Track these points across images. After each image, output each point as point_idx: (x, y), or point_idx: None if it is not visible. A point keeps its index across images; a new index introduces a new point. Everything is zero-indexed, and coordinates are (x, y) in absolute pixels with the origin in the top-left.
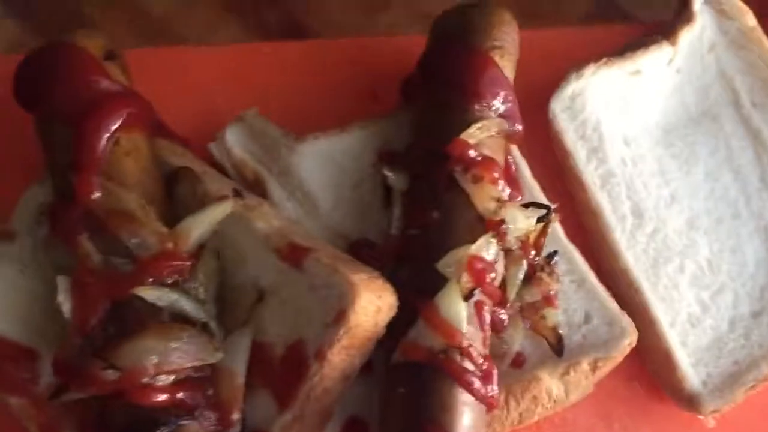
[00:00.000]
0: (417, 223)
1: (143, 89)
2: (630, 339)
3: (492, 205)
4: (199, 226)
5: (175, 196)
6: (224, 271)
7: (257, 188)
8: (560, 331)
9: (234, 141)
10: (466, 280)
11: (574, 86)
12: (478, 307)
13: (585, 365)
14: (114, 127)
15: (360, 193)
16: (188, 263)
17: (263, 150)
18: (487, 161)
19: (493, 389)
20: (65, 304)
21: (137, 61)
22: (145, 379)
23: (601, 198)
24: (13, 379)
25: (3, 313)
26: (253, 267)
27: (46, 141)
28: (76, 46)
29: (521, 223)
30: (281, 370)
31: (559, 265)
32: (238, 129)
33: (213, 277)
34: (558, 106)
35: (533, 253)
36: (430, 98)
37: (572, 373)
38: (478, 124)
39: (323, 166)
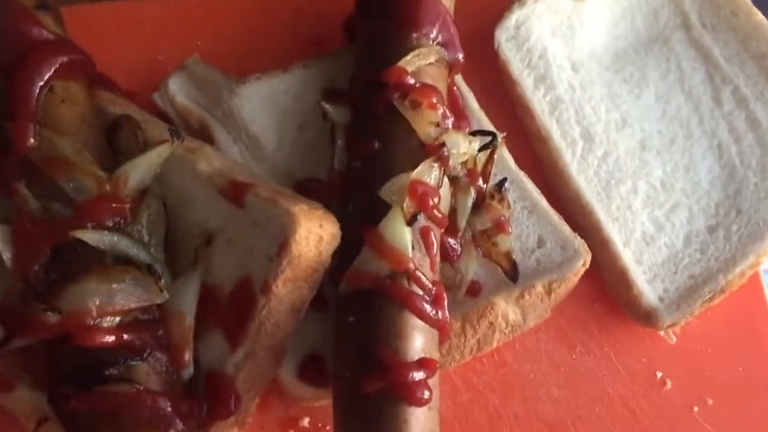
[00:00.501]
0: (359, 155)
1: (83, 45)
2: (584, 259)
3: (432, 130)
4: (137, 169)
5: (117, 145)
6: (171, 217)
7: (203, 134)
8: (513, 257)
9: (177, 89)
10: (408, 204)
11: (517, 14)
12: (424, 232)
13: (540, 288)
14: (47, 75)
15: (306, 133)
16: (128, 206)
17: (206, 96)
18: (426, 87)
19: (444, 314)
20: (5, 252)
21: (76, 17)
22: (89, 321)
23: (550, 124)
24: None
25: None
26: (199, 209)
27: None
28: None
29: (463, 147)
30: (230, 309)
31: (510, 192)
32: (180, 77)
33: (158, 222)
34: (503, 36)
35: (481, 180)
36: (369, 31)
37: (528, 297)
38: (415, 52)
39: (267, 107)
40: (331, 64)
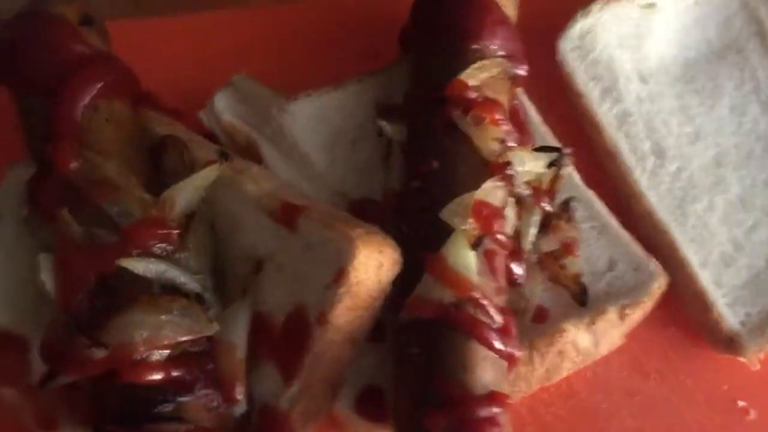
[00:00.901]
0: (418, 174)
1: (128, 61)
2: (659, 283)
3: (496, 146)
4: (184, 192)
5: (162, 167)
6: (219, 242)
7: (250, 153)
8: (583, 280)
9: (224, 107)
10: (473, 227)
11: (582, 23)
12: (489, 256)
13: (612, 314)
14: (91, 94)
15: (359, 150)
16: (176, 231)
17: (254, 113)
18: (489, 102)
19: (513, 343)
20: (48, 282)
21: (121, 32)
22: (137, 356)
23: (618, 139)
24: (5, 370)
25: None
26: (248, 234)
27: (24, 114)
28: (50, 13)
29: (529, 165)
30: (284, 340)
31: (578, 211)
32: (227, 95)
33: (206, 248)
34: (567, 46)
35: (547, 200)
36: (426, 43)
37: (599, 323)
38: (477, 64)
39: (318, 124)
40: (387, 78)
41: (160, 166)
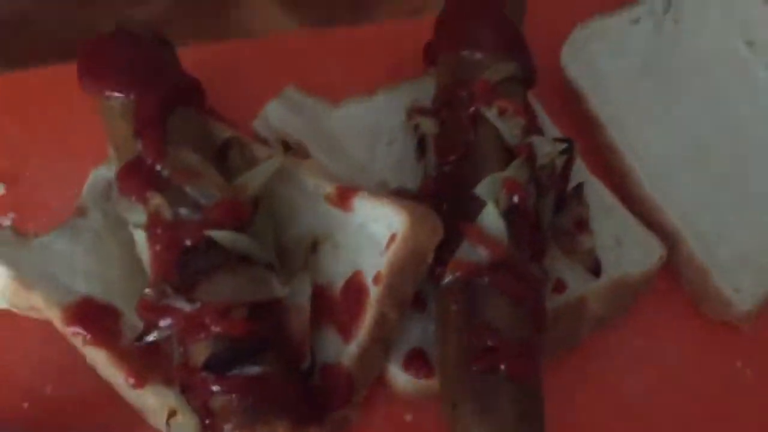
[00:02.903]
0: (450, 161)
1: None
2: (660, 255)
3: (518, 133)
4: (254, 179)
5: (226, 165)
6: (278, 226)
7: (299, 155)
8: (596, 254)
9: (275, 116)
10: (503, 199)
11: (581, 34)
12: (518, 226)
13: (621, 284)
14: (174, 99)
15: (394, 149)
16: (248, 212)
17: (303, 120)
18: (509, 97)
19: (541, 300)
20: (144, 255)
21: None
22: (222, 312)
23: (616, 137)
24: (101, 335)
25: (85, 275)
26: (305, 218)
27: (109, 115)
28: (131, 32)
29: (548, 147)
30: (342, 304)
31: (587, 196)
32: (278, 105)
33: (270, 229)
34: (568, 55)
35: (561, 183)
36: (450, 54)
37: (610, 294)
38: (495, 67)
39: (359, 128)
40: (413, 88)
41: (225, 162)
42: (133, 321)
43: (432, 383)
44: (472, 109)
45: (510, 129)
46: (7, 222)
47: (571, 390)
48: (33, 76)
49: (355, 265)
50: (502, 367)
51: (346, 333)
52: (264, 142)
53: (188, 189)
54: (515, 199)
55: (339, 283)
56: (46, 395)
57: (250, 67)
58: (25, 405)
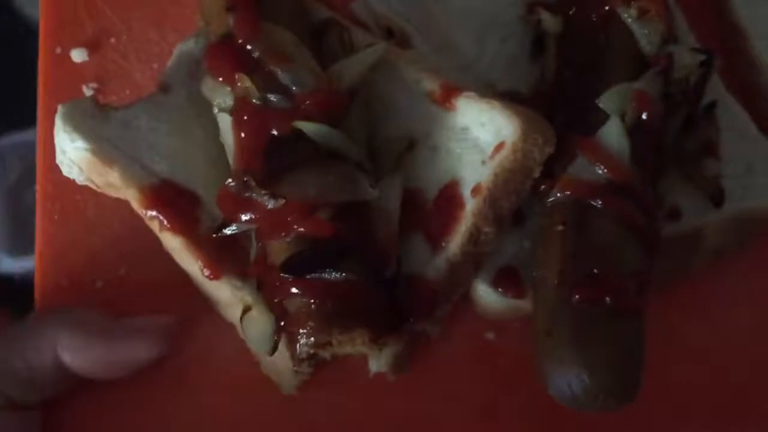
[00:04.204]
0: (573, 64)
1: None
2: None
3: (656, 39)
4: (352, 68)
5: (323, 48)
6: (371, 123)
7: (402, 45)
8: (720, 181)
9: None
10: (631, 115)
11: None
12: (641, 145)
13: (745, 217)
14: None
15: (507, 46)
16: (343, 104)
17: (407, 4)
18: None
19: (657, 228)
20: (227, 140)
21: None
22: (308, 210)
23: (765, 50)
24: (178, 220)
25: (166, 157)
26: (403, 115)
27: None
28: None
29: (687, 60)
30: (435, 213)
31: (719, 116)
32: None
33: (364, 125)
34: None
35: (693, 100)
36: None
37: (731, 226)
38: None
39: (469, 17)
40: None
41: (320, 46)
42: (212, 209)
43: (521, 304)
44: (607, 7)
45: (648, 35)
46: (88, 91)
47: (675, 324)
48: None
49: (453, 171)
50: (607, 299)
51: (435, 244)
52: (363, 26)
53: (280, 73)
54: (644, 116)
55: (433, 190)
56: (119, 276)
57: None
58: (99, 284)
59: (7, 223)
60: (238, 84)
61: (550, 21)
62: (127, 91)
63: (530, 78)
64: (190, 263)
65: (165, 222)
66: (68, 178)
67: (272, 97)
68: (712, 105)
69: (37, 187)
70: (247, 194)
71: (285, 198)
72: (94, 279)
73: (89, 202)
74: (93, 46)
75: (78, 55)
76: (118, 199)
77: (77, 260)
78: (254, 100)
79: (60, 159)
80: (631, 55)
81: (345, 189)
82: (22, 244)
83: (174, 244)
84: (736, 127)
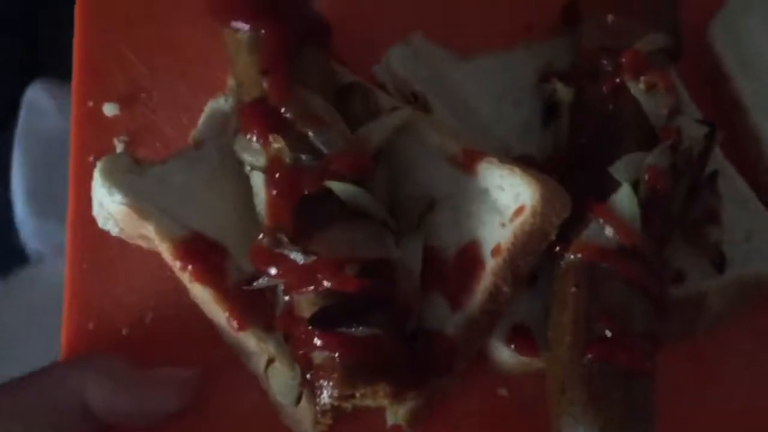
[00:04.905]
0: (585, 133)
1: None
2: None
3: (665, 112)
4: (378, 131)
5: (348, 110)
6: (394, 182)
7: (420, 107)
8: (722, 248)
9: (398, 62)
10: (643, 186)
11: (732, 7)
12: (651, 213)
13: (746, 282)
14: (303, 35)
15: (521, 111)
16: (370, 165)
17: (427, 70)
18: (661, 71)
19: (665, 291)
20: (258, 197)
21: None
22: (337, 267)
23: (763, 123)
24: (207, 272)
25: (198, 211)
26: (424, 176)
27: (238, 51)
28: None
29: (693, 131)
30: (454, 271)
31: (720, 185)
32: (402, 51)
33: (386, 186)
34: (716, 28)
35: (696, 169)
36: (597, 18)
37: (733, 291)
38: (648, 37)
39: (486, 84)
40: (549, 48)
41: (346, 108)
42: (239, 262)
43: (533, 361)
44: (617, 80)
45: (656, 107)
46: (120, 144)
47: (681, 384)
48: None
49: (472, 232)
50: (619, 360)
51: (454, 302)
52: (383, 88)
53: (311, 134)
54: (656, 187)
55: (452, 249)
56: (145, 324)
57: (376, 8)
58: (125, 331)
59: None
60: (272, 144)
61: (563, 90)
62: (158, 145)
63: (544, 143)
64: (217, 314)
65: (195, 273)
66: (98, 228)
67: (303, 158)
68: (715, 174)
69: (67, 236)
70: (278, 250)
71: (316, 254)
72: (120, 326)
73: (117, 252)
74: (124, 101)
75: (110, 109)
76: (145, 249)
77: (104, 306)
78: (286, 160)
79: (97, 211)
80: (640, 126)
81: (372, 247)
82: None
83: (203, 295)
84: (737, 197)
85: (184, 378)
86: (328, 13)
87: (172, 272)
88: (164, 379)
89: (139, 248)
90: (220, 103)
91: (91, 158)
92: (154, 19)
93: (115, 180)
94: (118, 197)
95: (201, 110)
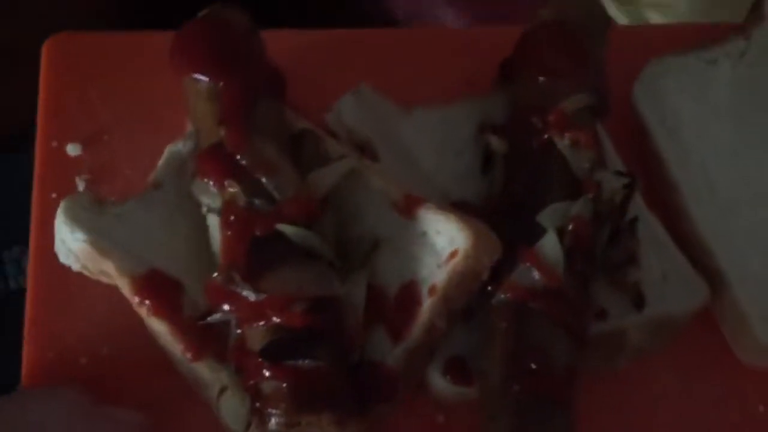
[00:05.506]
0: (516, 183)
1: None
2: (703, 295)
3: (587, 166)
4: (327, 177)
5: (300, 155)
6: (341, 225)
7: (368, 154)
8: (641, 288)
9: (348, 111)
10: (567, 235)
11: (654, 70)
12: (574, 258)
13: (662, 319)
14: (258, 87)
15: (460, 160)
16: (319, 210)
17: (374, 120)
18: (584, 129)
19: (586, 328)
20: (214, 237)
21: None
22: (285, 303)
23: (678, 175)
24: (164, 307)
25: (156, 249)
26: (369, 219)
27: (196, 99)
28: (226, 19)
29: (613, 183)
30: (395, 308)
31: (640, 230)
32: (351, 101)
33: (333, 228)
34: (640, 90)
35: (617, 216)
36: (528, 78)
37: (651, 327)
38: (574, 98)
39: (428, 135)
40: (485, 103)
41: (299, 152)
42: (195, 297)
43: (468, 391)
44: (546, 136)
45: (579, 161)
46: (81, 183)
47: (601, 414)
48: (125, 40)
49: (412, 272)
50: (542, 390)
51: (395, 335)
52: (334, 136)
53: (264, 181)
54: (579, 235)
55: (394, 287)
56: (102, 354)
57: (323, 59)
58: (83, 360)
59: None
60: (227, 189)
61: (496, 143)
62: (118, 184)
63: (480, 190)
64: (173, 346)
65: (153, 308)
66: (58, 263)
67: (257, 202)
68: (634, 220)
69: (29, 270)
70: (232, 287)
71: (266, 292)
72: (79, 355)
73: (77, 285)
74: (87, 142)
75: (72, 149)
76: (103, 283)
77: (63, 337)
78: (241, 204)
79: (58, 247)
80: (566, 177)
81: (319, 285)
82: None
83: (159, 328)
84: (654, 240)
85: (136, 422)
86: (282, 61)
87: (131, 306)
88: (119, 419)
89: (98, 282)
90: (179, 146)
91: (54, 195)
92: (117, 65)
93: (76, 218)
94: (79, 235)
95: (160, 153)
